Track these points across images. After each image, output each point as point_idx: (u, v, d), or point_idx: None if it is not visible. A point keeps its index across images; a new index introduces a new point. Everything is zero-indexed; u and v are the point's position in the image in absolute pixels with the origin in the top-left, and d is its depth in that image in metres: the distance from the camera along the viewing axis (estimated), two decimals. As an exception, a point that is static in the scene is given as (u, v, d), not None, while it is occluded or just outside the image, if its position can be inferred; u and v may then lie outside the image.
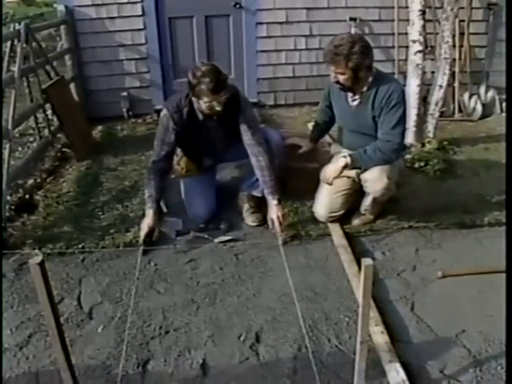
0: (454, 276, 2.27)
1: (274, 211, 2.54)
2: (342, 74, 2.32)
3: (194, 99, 2.46)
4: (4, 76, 3.06)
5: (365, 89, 2.40)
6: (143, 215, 2.76)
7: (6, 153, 2.82)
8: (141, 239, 2.49)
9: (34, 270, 1.05)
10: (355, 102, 2.47)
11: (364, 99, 2.42)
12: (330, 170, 2.44)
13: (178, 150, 2.81)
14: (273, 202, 2.55)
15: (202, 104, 2.40)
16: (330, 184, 2.46)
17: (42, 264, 1.07)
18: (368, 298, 1.30)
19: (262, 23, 4.48)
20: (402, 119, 2.36)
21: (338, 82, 2.38)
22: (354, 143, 2.55)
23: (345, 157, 2.40)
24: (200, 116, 2.53)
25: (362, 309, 1.35)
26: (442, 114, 4.03)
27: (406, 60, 4.01)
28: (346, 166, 2.39)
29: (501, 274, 2.18)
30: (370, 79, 2.38)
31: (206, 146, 2.69)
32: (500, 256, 2.32)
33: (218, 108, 2.40)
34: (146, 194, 2.58)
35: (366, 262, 1.24)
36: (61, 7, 4.15)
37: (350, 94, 2.48)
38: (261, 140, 2.58)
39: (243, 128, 2.56)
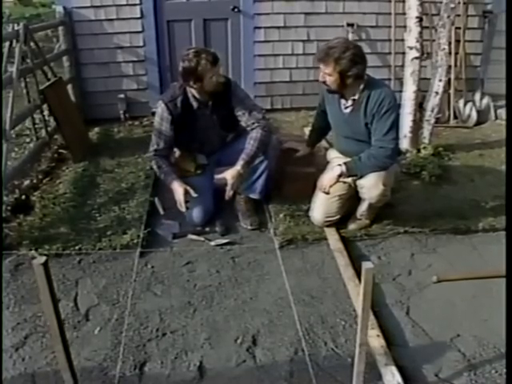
0: (448, 281, 2.29)
1: (230, 172, 2.58)
2: (330, 75, 2.34)
3: (191, 85, 2.53)
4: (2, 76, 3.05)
5: (357, 96, 2.41)
6: (140, 217, 2.78)
7: (3, 153, 2.82)
8: (183, 208, 2.63)
9: (38, 270, 1.06)
10: (348, 110, 2.49)
11: (356, 106, 2.43)
12: (325, 179, 2.45)
13: (177, 153, 2.83)
14: (236, 166, 2.58)
15: (208, 82, 2.49)
16: (327, 193, 2.47)
17: (45, 264, 1.07)
18: (368, 301, 1.31)
19: (259, 27, 4.50)
20: (395, 125, 2.37)
21: (324, 83, 2.41)
22: (349, 149, 2.57)
23: (340, 165, 2.42)
24: (194, 104, 2.63)
25: (361, 312, 1.36)
26: (437, 121, 4.06)
27: (402, 66, 4.04)
28: (341, 175, 2.40)
29: (495, 279, 2.21)
30: (362, 87, 2.40)
31: (201, 136, 2.74)
32: (494, 261, 2.35)
33: (222, 79, 2.56)
34: (162, 175, 2.70)
35: (367, 265, 1.26)
36: (59, 8, 4.16)
37: (342, 101, 2.50)
38: (258, 116, 2.66)
39: (239, 109, 2.65)
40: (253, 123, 2.64)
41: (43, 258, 1.08)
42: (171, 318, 2.07)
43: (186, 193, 2.61)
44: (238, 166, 2.58)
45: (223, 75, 2.67)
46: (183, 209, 2.64)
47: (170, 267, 2.42)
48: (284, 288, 2.22)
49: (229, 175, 2.58)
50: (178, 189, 2.61)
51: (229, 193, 2.61)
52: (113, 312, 2.10)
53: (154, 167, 2.75)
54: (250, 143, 2.60)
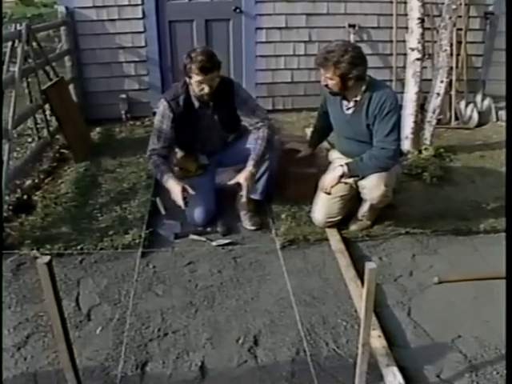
0: (450, 282, 2.29)
1: (242, 175, 2.57)
2: (330, 79, 2.35)
3: (189, 82, 2.54)
4: (4, 76, 3.06)
5: (358, 97, 2.42)
6: (142, 217, 2.79)
7: (5, 153, 2.82)
8: (182, 205, 2.56)
9: (42, 269, 1.06)
10: (350, 111, 2.49)
11: (358, 107, 2.43)
12: (327, 180, 2.45)
13: (179, 154, 2.83)
14: (248, 167, 2.58)
15: (193, 84, 2.49)
16: (329, 193, 2.47)
17: (49, 264, 1.08)
18: (371, 300, 1.31)
19: (261, 28, 4.51)
20: (396, 126, 2.38)
21: (326, 86, 2.42)
22: (350, 150, 2.57)
23: (342, 166, 2.42)
24: (196, 103, 2.62)
25: (364, 311, 1.36)
26: (438, 122, 4.07)
27: (403, 67, 4.05)
28: (343, 175, 2.41)
29: (496, 280, 2.22)
30: (363, 88, 2.40)
31: (202, 136, 2.74)
32: (495, 262, 2.36)
33: (207, 90, 2.49)
34: (158, 174, 2.65)
35: (370, 265, 1.26)
36: (61, 8, 4.17)
37: (344, 102, 2.51)
38: (262, 115, 2.68)
39: (242, 110, 2.66)
40: (257, 123, 2.64)
41: (47, 258, 1.09)
42: (173, 318, 2.07)
43: (184, 190, 2.56)
44: (250, 167, 2.57)
45: (224, 76, 2.66)
46: (182, 205, 2.57)
47: (171, 267, 2.43)
48: (285, 288, 2.22)
49: (242, 178, 2.55)
50: (175, 187, 2.56)
51: (245, 194, 2.58)
52: (114, 312, 2.11)
53: (151, 166, 2.71)
54: (258, 143, 2.61)
